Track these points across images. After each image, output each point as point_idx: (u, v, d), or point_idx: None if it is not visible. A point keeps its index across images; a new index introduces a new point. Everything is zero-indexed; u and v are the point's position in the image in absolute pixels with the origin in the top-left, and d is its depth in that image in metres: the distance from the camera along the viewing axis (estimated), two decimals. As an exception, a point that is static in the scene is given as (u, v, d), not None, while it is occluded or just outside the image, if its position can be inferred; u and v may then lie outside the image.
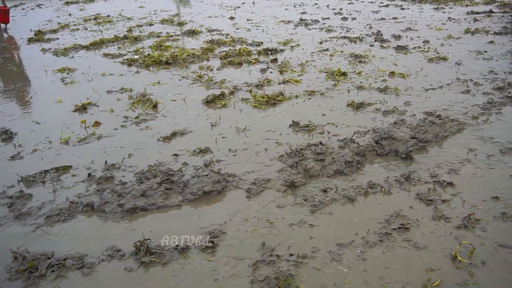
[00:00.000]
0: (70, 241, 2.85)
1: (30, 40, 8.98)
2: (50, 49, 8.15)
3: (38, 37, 9.16)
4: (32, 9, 14.06)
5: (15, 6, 14.50)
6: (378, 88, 5.14)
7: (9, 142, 4.27)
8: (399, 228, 2.76)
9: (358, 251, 2.60)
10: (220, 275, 2.49)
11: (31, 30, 9.99)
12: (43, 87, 5.90)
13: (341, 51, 6.78)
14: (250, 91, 5.22)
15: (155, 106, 4.93)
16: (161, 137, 4.19)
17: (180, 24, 9.93)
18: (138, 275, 2.53)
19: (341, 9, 10.87)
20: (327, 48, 7.00)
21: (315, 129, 4.18)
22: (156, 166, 3.63)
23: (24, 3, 15.23)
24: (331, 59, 6.43)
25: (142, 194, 3.22)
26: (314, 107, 4.71)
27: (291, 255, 2.60)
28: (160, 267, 2.57)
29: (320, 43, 7.43)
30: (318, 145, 3.77)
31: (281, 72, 5.93)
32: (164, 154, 3.88)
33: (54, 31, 9.85)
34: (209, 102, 4.97)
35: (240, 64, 6.40)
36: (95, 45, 8.17)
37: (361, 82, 5.38)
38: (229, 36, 8.24)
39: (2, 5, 9.16)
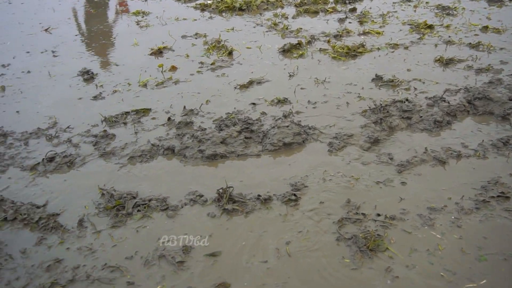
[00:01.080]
0: (152, 183, 2.89)
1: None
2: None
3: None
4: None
5: None
6: (470, 43, 4.73)
7: (91, 82, 4.35)
8: (498, 196, 2.56)
9: (452, 217, 2.44)
10: (304, 228, 2.43)
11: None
12: (120, 30, 5.94)
13: (426, 2, 6.28)
14: (329, 42, 4.98)
15: (230, 53, 4.83)
16: (238, 84, 4.10)
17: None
18: (221, 221, 2.52)
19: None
20: (411, -1, 6.51)
21: (400, 84, 3.93)
22: (234, 114, 3.57)
23: None
24: (415, 11, 5.97)
25: (222, 142, 3.19)
26: (398, 61, 4.42)
27: (378, 215, 2.49)
28: (243, 216, 2.55)
29: (403, -8, 6.92)
30: (404, 102, 3.55)
31: (360, 22, 5.60)
32: (241, 102, 3.80)
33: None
34: (286, 51, 4.79)
35: (316, 12, 6.10)
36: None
37: (449, 36, 4.96)
38: (303, -17, 7.86)
39: None
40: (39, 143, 3.38)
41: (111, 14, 6.69)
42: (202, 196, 2.72)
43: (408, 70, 4.21)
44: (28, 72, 4.65)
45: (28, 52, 5.24)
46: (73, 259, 2.31)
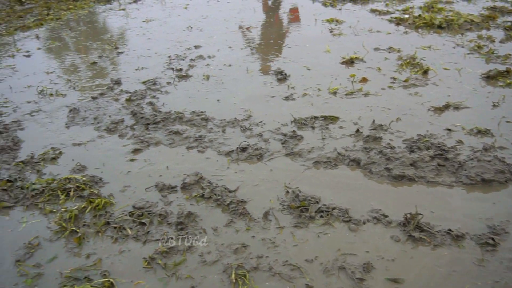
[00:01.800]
0: (334, 190, 2.90)
1: (301, -12, 9.41)
2: (319, -2, 8.40)
3: (309, -14, 9.51)
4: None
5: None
6: None
7: (283, 82, 4.56)
8: None
9: None
10: (502, 279, 2.18)
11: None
12: (313, 35, 6.12)
13: None
14: (545, 74, 4.40)
15: (425, 72, 4.60)
16: (432, 106, 3.88)
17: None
18: (406, 248, 2.41)
19: None
20: None
21: None
22: (428, 137, 3.38)
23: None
24: None
25: (411, 164, 3.05)
26: None
27: None
28: (430, 248, 2.40)
29: None
30: None
31: None
32: (435, 125, 3.59)
33: (324, -18, 10.10)
34: (490, 77, 4.38)
35: (529, 39, 5.45)
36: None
37: None
38: (515, 5, 7.10)
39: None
40: (234, 132, 3.66)
41: (304, 19, 6.93)
42: (386, 216, 2.64)
43: None
44: (229, 65, 5.09)
45: (230, 47, 5.73)
46: (257, 248, 2.45)
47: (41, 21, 7.59)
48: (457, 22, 6.07)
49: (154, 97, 4.33)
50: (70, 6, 8.62)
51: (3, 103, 4.37)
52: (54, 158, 3.39)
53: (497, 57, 4.92)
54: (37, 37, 6.72)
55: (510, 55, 4.92)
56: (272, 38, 6.07)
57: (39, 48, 6.14)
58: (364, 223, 2.60)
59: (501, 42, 5.43)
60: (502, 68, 4.50)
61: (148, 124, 3.75)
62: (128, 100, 4.25)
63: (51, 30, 7.11)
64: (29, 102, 4.38)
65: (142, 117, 3.84)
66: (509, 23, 6.01)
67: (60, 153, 3.46)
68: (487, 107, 3.85)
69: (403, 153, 3.16)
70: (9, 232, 2.63)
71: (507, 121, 3.59)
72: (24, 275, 2.32)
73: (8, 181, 3.05)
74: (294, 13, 8.08)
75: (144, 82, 4.66)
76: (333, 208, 2.70)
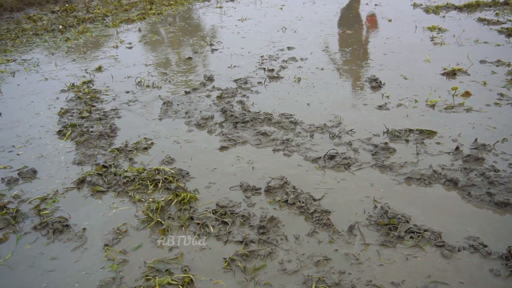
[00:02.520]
0: (426, 210, 2.69)
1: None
2: (421, 4, 8.00)
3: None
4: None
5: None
6: None
7: (377, 90, 4.37)
8: None
9: None
10: None
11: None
12: (412, 43, 5.82)
13: None
14: None
15: (539, 90, 4.16)
16: (546, 129, 3.50)
17: None
18: (508, 285, 2.16)
19: None
20: None
21: None
22: (539, 163, 3.04)
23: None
24: None
25: (518, 191, 2.75)
26: None
27: None
28: (537, 289, 2.13)
29: None
30: None
31: None
32: (548, 151, 3.22)
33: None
34: None
35: None
36: (470, 7, 7.55)
37: None
38: None
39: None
40: (323, 138, 3.55)
41: (404, 25, 6.62)
42: (485, 246, 2.39)
43: None
44: (322, 69, 4.98)
45: (323, 50, 5.62)
46: (340, 263, 2.33)
47: (144, 15, 7.99)
48: None
49: (244, 95, 4.35)
50: (171, 2, 9.00)
51: (104, 91, 4.63)
52: (146, 148, 3.51)
53: None
54: (139, 30, 7.08)
55: None
56: (365, 43, 5.86)
57: (140, 41, 6.46)
58: (459, 250, 2.38)
59: None
60: None
61: (237, 122, 3.77)
62: (219, 97, 4.31)
63: (152, 24, 7.46)
64: (127, 92, 4.59)
65: (231, 115, 3.86)
66: None
67: (152, 143, 3.58)
68: None
69: (509, 178, 2.86)
70: (101, 216, 2.75)
71: None
72: (110, 259, 2.41)
73: (103, 166, 3.20)
74: (371, 20, 7.79)
75: (235, 80, 4.71)
76: (425, 230, 2.51)
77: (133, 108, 4.23)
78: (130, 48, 6.17)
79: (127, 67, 5.37)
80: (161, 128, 3.83)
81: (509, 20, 6.62)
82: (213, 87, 4.58)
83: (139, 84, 4.77)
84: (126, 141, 3.61)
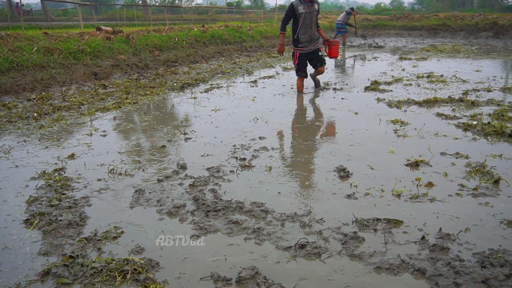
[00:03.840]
0: (398, 303, 2.71)
1: (366, 88, 9.67)
2: (384, 99, 8.54)
3: (374, 86, 9.77)
4: (369, 60, 15.29)
5: (360, 57, 16.03)
6: None
7: (345, 180, 4.52)
8: None
9: None
10: None
11: (368, 79, 10.77)
12: (377, 135, 6.14)
13: None
14: None
15: (496, 182, 4.40)
16: (505, 219, 3.66)
17: (526, 94, 8.86)
18: None
19: None
20: None
21: None
22: (501, 252, 3.14)
23: (364, 54, 16.69)
24: None
25: (483, 281, 2.82)
26: None
27: None
28: None
29: None
30: None
31: None
32: (509, 240, 3.35)
33: (389, 83, 10.34)
34: None
35: None
36: (428, 102, 8.10)
37: None
38: None
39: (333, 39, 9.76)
40: (293, 227, 3.60)
41: (369, 118, 6.99)
42: (455, 338, 2.40)
43: None
44: (292, 158, 5.15)
45: (293, 140, 5.83)
46: None
47: (119, 104, 8.21)
48: (530, 132, 5.88)
49: (216, 184, 4.42)
50: (147, 92, 9.32)
51: (76, 179, 4.62)
52: (115, 237, 3.46)
53: None
54: (114, 118, 7.23)
55: None
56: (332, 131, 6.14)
57: (114, 129, 6.58)
58: None
59: None
60: None
61: (208, 211, 3.80)
62: (192, 185, 4.37)
63: (127, 112, 7.65)
64: (99, 180, 4.60)
65: (203, 204, 3.90)
66: None
67: (122, 232, 3.54)
68: None
69: (473, 267, 2.94)
70: (64, 309, 2.64)
71: None
72: None
73: (70, 256, 3.13)
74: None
75: (208, 169, 4.80)
76: (396, 322, 2.50)
77: (104, 196, 4.22)
78: (105, 136, 6.26)
79: (100, 154, 5.42)
80: (132, 217, 3.81)
81: (465, 116, 7.12)
82: (186, 175, 4.65)
83: (112, 172, 4.80)
84: (96, 230, 3.56)
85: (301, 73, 9.11)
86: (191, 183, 4.40)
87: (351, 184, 4.42)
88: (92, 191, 4.34)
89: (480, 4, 75.21)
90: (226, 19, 34.05)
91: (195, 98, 8.70)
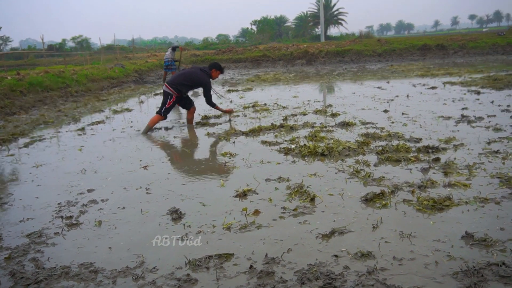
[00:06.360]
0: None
1: (197, 124, 9.97)
2: (214, 133, 8.91)
3: (204, 121, 10.13)
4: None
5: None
6: None
7: (178, 222, 4.57)
8: None
9: None
10: None
11: (199, 114, 11.12)
12: (209, 170, 6.35)
13: (515, 155, 6.13)
14: (413, 192, 4.92)
15: (312, 199, 4.91)
16: (320, 234, 4.09)
17: (334, 115, 10.12)
18: None
19: (508, 105, 10.05)
20: (498, 150, 6.40)
21: (494, 245, 3.70)
22: (316, 266, 3.51)
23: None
24: (503, 163, 5.82)
25: (303, 297, 3.10)
26: (490, 218, 4.21)
27: None
28: None
29: (488, 143, 6.85)
30: (501, 266, 3.30)
31: (445, 173, 5.53)
32: (324, 253, 3.75)
33: (218, 117, 10.82)
34: (368, 200, 4.79)
35: (398, 161, 6.16)
36: (254, 131, 8.69)
37: (547, 193, 4.71)
38: (384, 130, 8.11)
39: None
40: (126, 282, 3.49)
41: (201, 153, 7.21)
42: None
43: (502, 229, 3.98)
44: (123, 208, 5.02)
45: (124, 188, 5.71)
46: None
47: None
48: (337, 149, 6.73)
49: (39, 251, 4.06)
50: (-47, 156, 8.17)
51: None
52: None
53: (373, 179, 5.44)
54: None
55: (383, 177, 5.47)
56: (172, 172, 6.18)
57: None
58: None
59: (375, 165, 6.06)
60: (377, 190, 4.96)
61: (28, 284, 3.46)
62: (8, 258, 3.93)
63: None
64: None
65: (22, 277, 3.54)
66: (380, 148, 6.79)
67: None
68: (367, 229, 4.14)
69: (294, 286, 3.21)
70: None
71: (386, 242, 3.87)
72: None
73: None
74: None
75: (28, 235, 4.39)
76: None
77: None
78: None
79: None
80: None
81: (285, 140, 7.82)
82: (1, 247, 4.17)
83: None
84: None
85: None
86: (7, 256, 3.96)
87: (184, 224, 4.48)
88: None
89: (294, 34, 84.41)
90: (47, 63, 31.94)
91: (12, 155, 7.91)
